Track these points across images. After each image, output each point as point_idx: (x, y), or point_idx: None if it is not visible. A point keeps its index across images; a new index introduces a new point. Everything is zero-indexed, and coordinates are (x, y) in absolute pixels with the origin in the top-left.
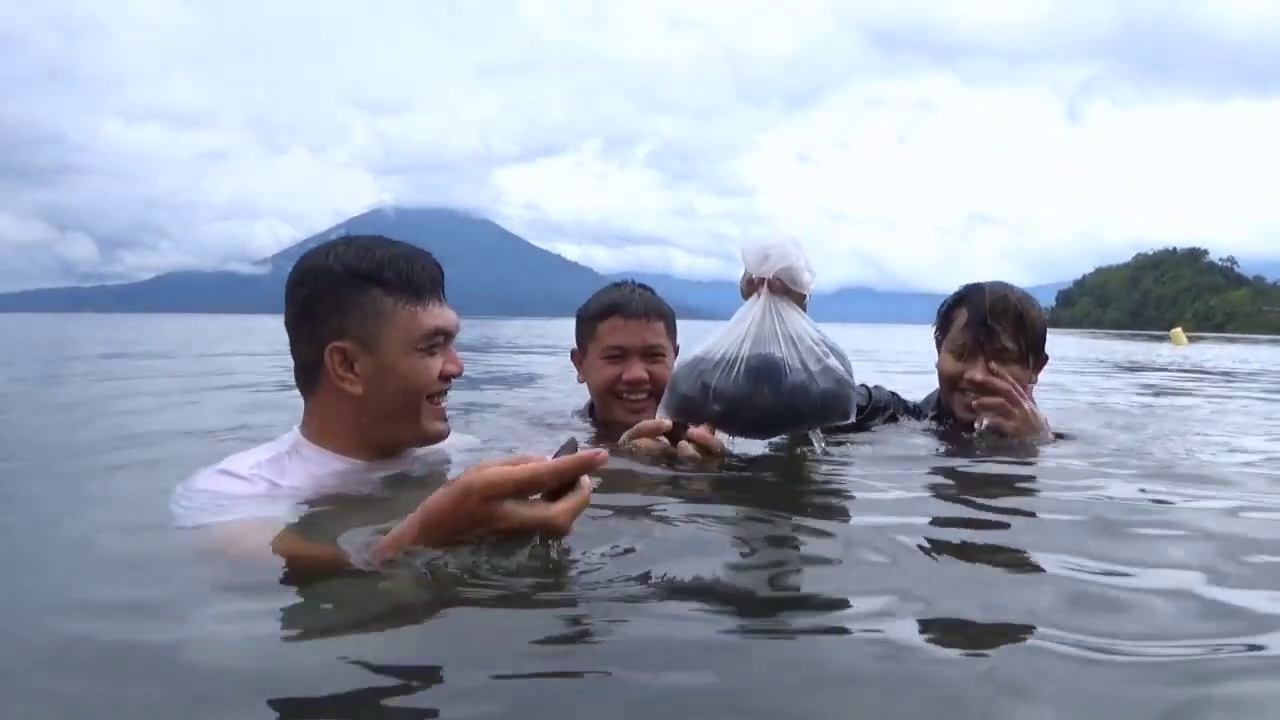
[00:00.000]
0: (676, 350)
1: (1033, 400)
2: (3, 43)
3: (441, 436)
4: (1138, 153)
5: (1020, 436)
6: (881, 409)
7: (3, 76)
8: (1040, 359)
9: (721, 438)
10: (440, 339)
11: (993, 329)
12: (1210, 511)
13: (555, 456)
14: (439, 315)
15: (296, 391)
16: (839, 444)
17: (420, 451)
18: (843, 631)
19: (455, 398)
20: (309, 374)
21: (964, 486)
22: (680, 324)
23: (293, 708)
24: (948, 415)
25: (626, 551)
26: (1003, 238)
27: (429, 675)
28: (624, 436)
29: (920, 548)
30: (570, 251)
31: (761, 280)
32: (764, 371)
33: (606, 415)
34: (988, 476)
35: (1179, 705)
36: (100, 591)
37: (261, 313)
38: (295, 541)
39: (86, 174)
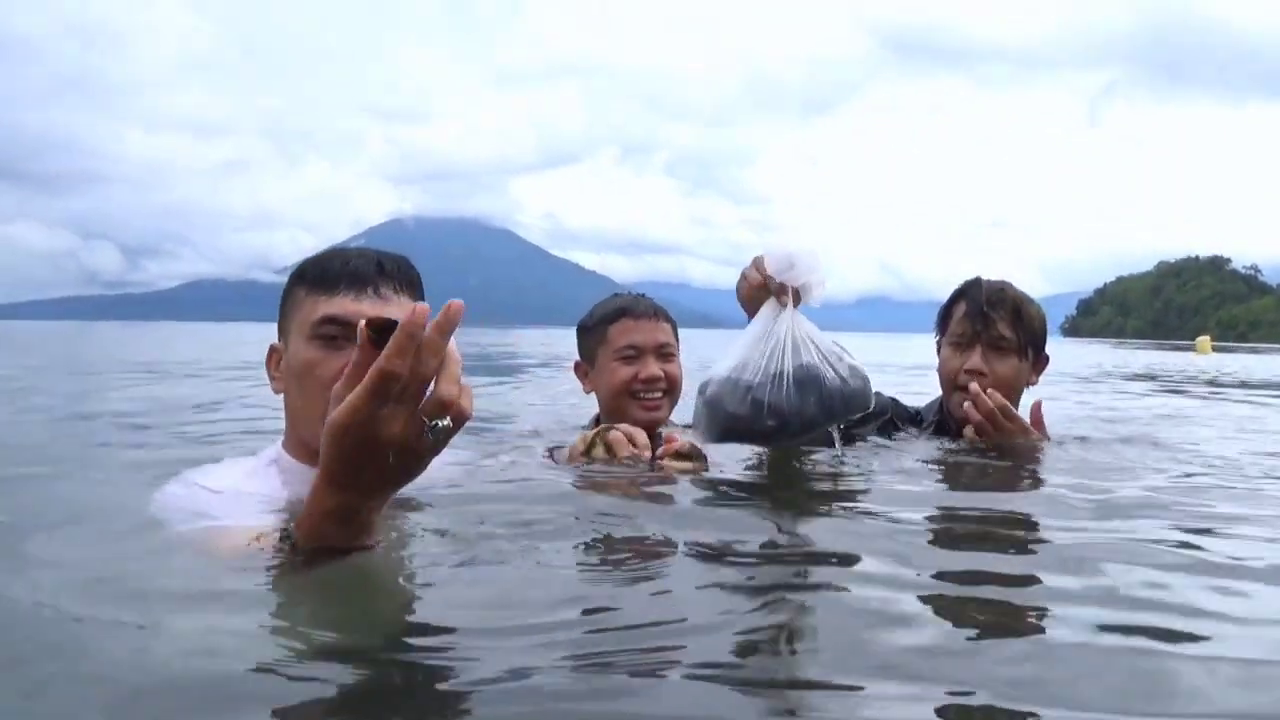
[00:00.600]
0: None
1: (1041, 428)
2: (27, 52)
3: None
4: (1158, 158)
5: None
6: (877, 414)
7: (27, 86)
8: (1040, 358)
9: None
10: (334, 329)
11: (990, 316)
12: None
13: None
14: (339, 304)
15: None
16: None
17: None
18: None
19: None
20: None
21: (966, 492)
22: (698, 333)
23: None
24: (949, 420)
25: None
26: (1022, 245)
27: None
28: (659, 455)
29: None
30: (588, 260)
31: (782, 288)
32: (808, 382)
33: (621, 418)
34: (985, 483)
35: None
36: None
37: None
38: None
39: (110, 183)
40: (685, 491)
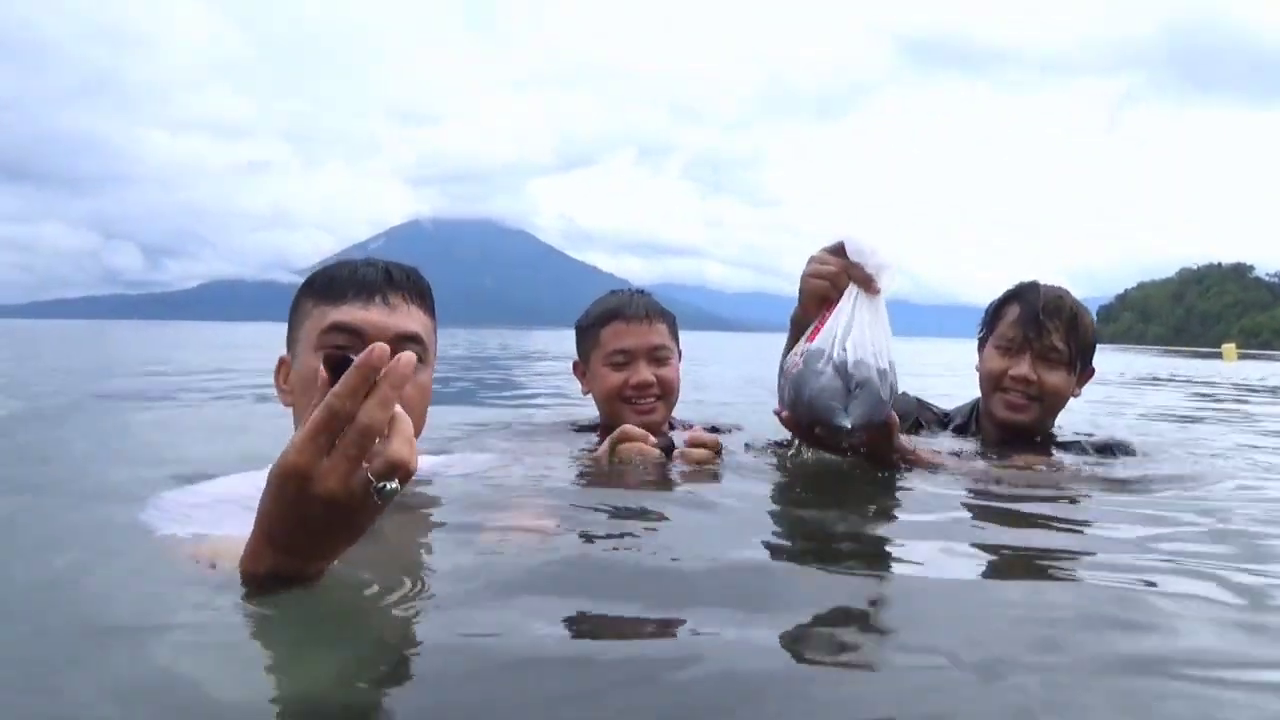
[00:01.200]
0: (680, 354)
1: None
2: (53, 55)
3: None
4: (1180, 163)
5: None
6: (901, 416)
7: (52, 87)
8: (1087, 369)
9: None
10: (341, 338)
11: (1044, 325)
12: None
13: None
14: (347, 312)
15: None
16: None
17: None
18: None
19: (465, 416)
20: None
21: (966, 493)
22: (713, 335)
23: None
24: (986, 420)
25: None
26: (1042, 251)
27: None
28: (677, 452)
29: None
30: (604, 262)
31: (867, 277)
32: (893, 380)
33: (616, 422)
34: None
35: None
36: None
37: None
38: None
39: (132, 183)
40: (697, 487)
